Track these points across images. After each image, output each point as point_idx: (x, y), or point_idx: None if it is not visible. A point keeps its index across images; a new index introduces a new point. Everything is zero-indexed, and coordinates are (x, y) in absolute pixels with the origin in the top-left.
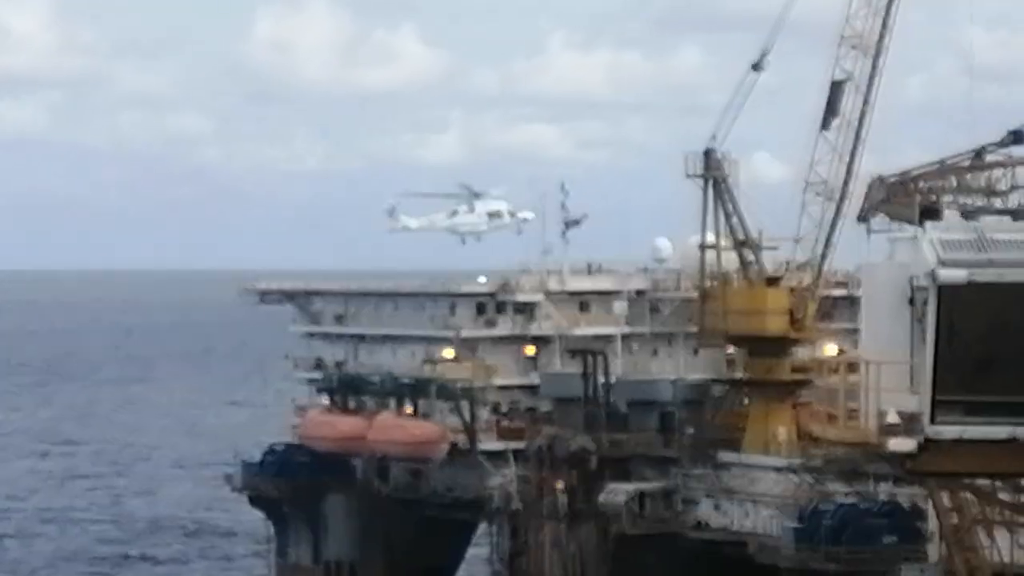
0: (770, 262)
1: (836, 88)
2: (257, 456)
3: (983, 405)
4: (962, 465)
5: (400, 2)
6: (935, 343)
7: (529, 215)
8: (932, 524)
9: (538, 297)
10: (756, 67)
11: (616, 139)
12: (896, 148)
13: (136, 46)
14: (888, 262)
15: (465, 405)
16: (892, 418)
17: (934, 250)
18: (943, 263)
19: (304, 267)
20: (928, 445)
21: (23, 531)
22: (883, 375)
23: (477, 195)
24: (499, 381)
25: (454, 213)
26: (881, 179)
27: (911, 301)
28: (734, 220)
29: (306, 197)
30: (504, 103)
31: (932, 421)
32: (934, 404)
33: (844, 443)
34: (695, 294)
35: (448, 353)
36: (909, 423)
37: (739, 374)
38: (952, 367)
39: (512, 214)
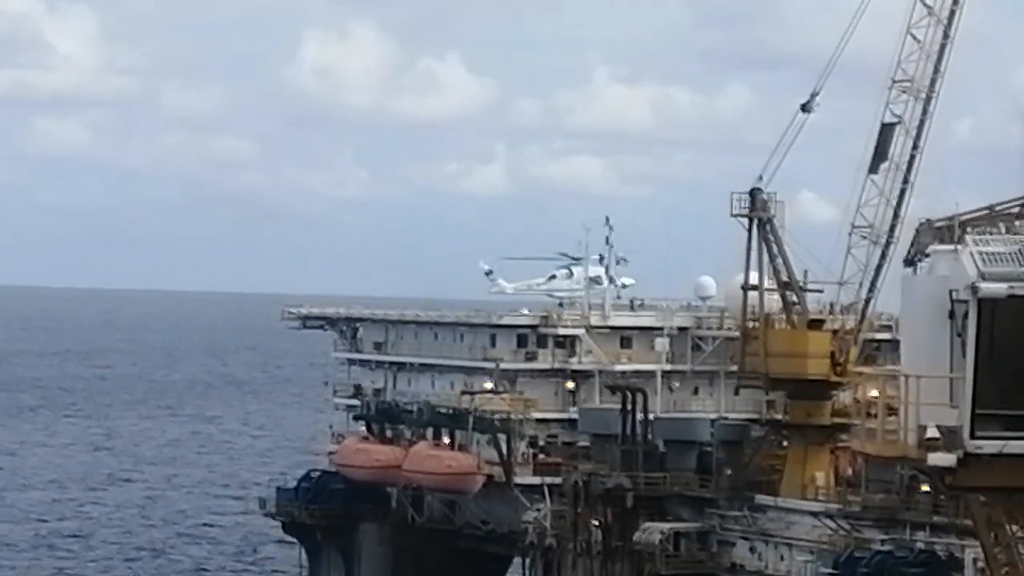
0: (814, 304)
1: (886, 131)
2: (292, 482)
3: None
4: (1002, 480)
5: (446, 31)
6: (975, 357)
7: (630, 281)
8: (969, 574)
9: (579, 331)
10: (805, 108)
11: (661, 174)
12: (943, 190)
13: (180, 68)
14: (928, 275)
15: (502, 438)
16: (932, 432)
17: (974, 263)
18: (984, 276)
19: (345, 293)
20: (968, 460)
21: (54, 551)
22: (922, 389)
23: (577, 260)
24: (537, 415)
25: (552, 277)
26: (929, 223)
27: (951, 314)
28: (778, 261)
29: (348, 224)
30: (549, 135)
31: (972, 435)
32: (974, 418)
33: (884, 457)
34: (738, 333)
35: (487, 385)
36: (949, 437)
37: (779, 416)
38: (992, 381)
39: (612, 279)
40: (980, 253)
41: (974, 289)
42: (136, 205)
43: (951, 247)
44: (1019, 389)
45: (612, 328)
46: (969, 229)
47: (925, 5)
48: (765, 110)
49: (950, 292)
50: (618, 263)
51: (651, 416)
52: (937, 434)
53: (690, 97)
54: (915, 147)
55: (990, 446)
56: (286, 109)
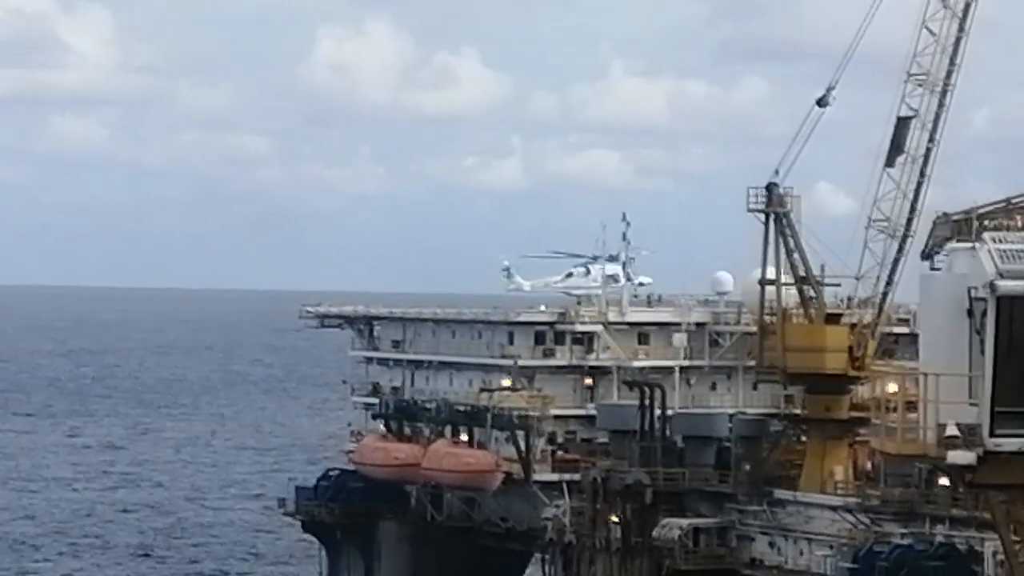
0: (831, 299)
1: (902, 125)
2: (311, 481)
3: None
4: (1022, 477)
5: (462, 26)
6: (994, 354)
7: (647, 280)
8: (988, 568)
9: (597, 328)
10: (821, 103)
11: (677, 167)
12: (960, 180)
13: (196, 65)
14: (946, 273)
15: (521, 435)
16: (951, 430)
17: (992, 260)
18: (1002, 274)
19: (361, 289)
20: (988, 457)
21: (75, 550)
22: (942, 387)
23: (595, 258)
24: (556, 411)
25: (569, 275)
26: (946, 216)
27: (969, 312)
28: (795, 256)
29: (365, 220)
30: (565, 129)
31: (991, 433)
32: (993, 416)
33: (903, 455)
34: (756, 328)
35: (505, 382)
36: (969, 435)
37: (797, 410)
38: (1012, 378)
39: (629, 278)
40: (998, 250)
41: (992, 287)
42: (151, 203)
43: (969, 245)
44: None
45: (630, 324)
46: (986, 222)
47: None
48: (781, 102)
49: (968, 290)
50: (632, 258)
51: (669, 412)
52: (956, 432)
53: (706, 90)
54: (931, 140)
55: (1010, 443)
56: (302, 106)
